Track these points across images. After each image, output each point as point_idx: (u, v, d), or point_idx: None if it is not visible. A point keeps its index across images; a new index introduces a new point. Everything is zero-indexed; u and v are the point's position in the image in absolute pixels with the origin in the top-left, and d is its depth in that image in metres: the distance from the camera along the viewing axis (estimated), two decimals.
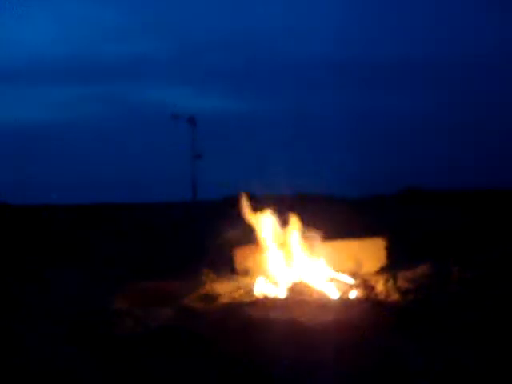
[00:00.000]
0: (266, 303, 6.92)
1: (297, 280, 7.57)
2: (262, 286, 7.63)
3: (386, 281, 7.46)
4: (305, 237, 8.01)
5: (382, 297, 7.18)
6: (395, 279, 7.47)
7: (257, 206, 8.28)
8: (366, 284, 7.46)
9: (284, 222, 8.22)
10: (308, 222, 8.55)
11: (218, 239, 8.61)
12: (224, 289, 7.68)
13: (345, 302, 6.91)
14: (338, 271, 7.86)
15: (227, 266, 8.48)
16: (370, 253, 8.29)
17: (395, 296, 7.09)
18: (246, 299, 7.24)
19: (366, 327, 5.92)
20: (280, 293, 7.40)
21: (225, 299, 7.32)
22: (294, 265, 7.89)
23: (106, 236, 12.92)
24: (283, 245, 8.06)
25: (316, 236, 7.99)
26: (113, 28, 56.55)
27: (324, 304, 6.80)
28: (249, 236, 8.26)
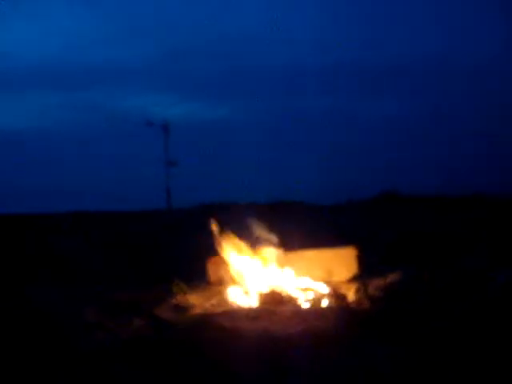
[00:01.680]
0: (239, 313, 6.91)
1: (269, 289, 7.57)
2: (234, 295, 7.64)
3: (358, 289, 7.51)
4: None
5: (353, 305, 7.22)
6: (366, 288, 7.53)
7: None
8: (337, 293, 7.50)
9: (256, 231, 8.24)
10: (281, 230, 8.59)
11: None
12: (196, 299, 7.68)
13: (316, 311, 6.92)
14: (309, 280, 7.89)
15: (201, 276, 8.48)
16: (341, 261, 8.34)
17: (366, 304, 7.14)
18: (219, 309, 7.23)
19: (338, 335, 5.97)
20: (252, 302, 7.41)
21: (197, 309, 7.31)
22: (267, 274, 7.91)
23: (79, 246, 12.79)
24: (256, 254, 8.08)
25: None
26: (89, 34, 56.15)
27: (296, 313, 6.81)
28: None
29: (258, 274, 7.89)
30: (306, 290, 7.65)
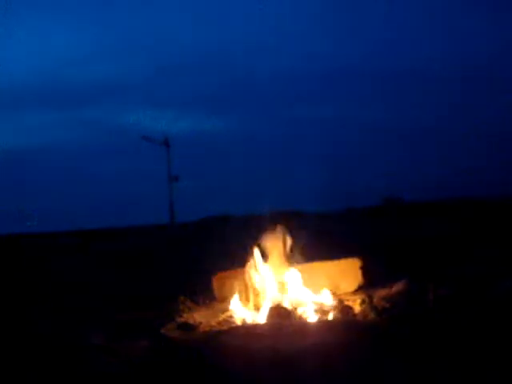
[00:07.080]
0: (245, 330, 6.89)
1: (274, 304, 7.54)
2: (240, 312, 7.61)
3: (363, 301, 7.49)
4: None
5: (359, 317, 7.20)
6: (371, 299, 7.51)
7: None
8: (343, 305, 7.47)
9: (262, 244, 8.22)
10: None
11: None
12: (202, 316, 7.65)
13: (323, 325, 6.90)
14: (314, 293, 7.87)
15: (206, 292, 8.46)
16: (345, 273, 8.34)
17: (372, 316, 7.11)
18: (225, 326, 7.20)
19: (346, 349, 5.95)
20: (258, 318, 7.38)
21: (203, 327, 7.28)
22: (272, 289, 7.88)
23: (80, 264, 12.79)
24: (262, 269, 8.05)
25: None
26: (87, 52, 56.47)
27: (302, 328, 6.79)
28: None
29: (265, 289, 7.87)
30: (311, 303, 7.62)
